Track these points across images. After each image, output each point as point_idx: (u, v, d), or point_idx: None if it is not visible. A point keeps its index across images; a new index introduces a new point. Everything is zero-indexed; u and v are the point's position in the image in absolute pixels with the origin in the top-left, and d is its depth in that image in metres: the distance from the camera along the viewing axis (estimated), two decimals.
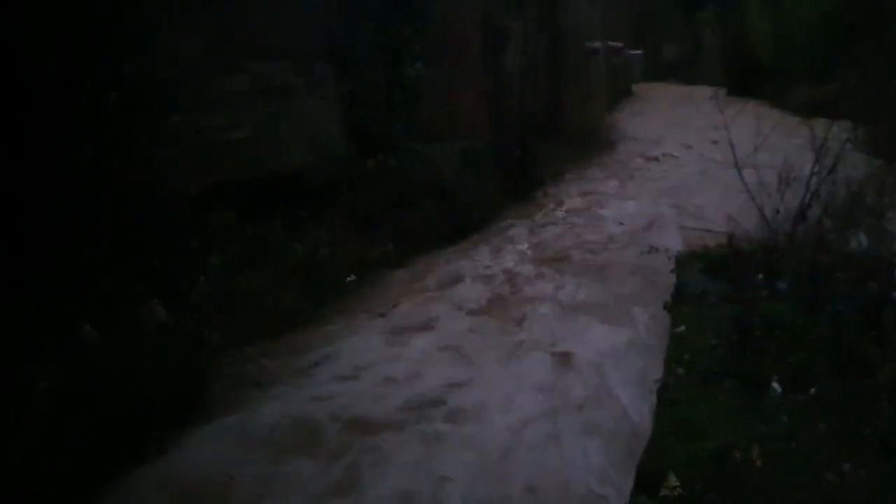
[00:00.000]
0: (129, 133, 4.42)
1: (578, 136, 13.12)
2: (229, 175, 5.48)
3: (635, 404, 3.55)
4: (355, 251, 6.17)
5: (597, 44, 14.95)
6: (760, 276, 4.76)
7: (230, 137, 5.48)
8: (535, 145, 9.67)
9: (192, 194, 5.11)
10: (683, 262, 5.42)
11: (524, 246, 6.65)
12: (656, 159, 11.83)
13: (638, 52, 26.94)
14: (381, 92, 7.40)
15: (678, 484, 2.77)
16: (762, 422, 3.09)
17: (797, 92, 16.58)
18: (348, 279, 5.88)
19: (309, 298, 5.30)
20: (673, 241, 6.32)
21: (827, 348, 3.67)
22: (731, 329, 3.97)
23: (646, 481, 2.92)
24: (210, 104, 5.31)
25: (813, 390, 3.28)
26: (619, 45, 21.04)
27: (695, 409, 3.25)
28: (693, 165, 10.53)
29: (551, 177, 10.27)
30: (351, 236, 6.33)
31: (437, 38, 8.46)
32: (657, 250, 5.74)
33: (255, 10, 5.75)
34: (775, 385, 3.38)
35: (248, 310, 4.83)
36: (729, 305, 4.47)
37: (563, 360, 4.12)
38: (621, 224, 7.29)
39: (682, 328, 4.19)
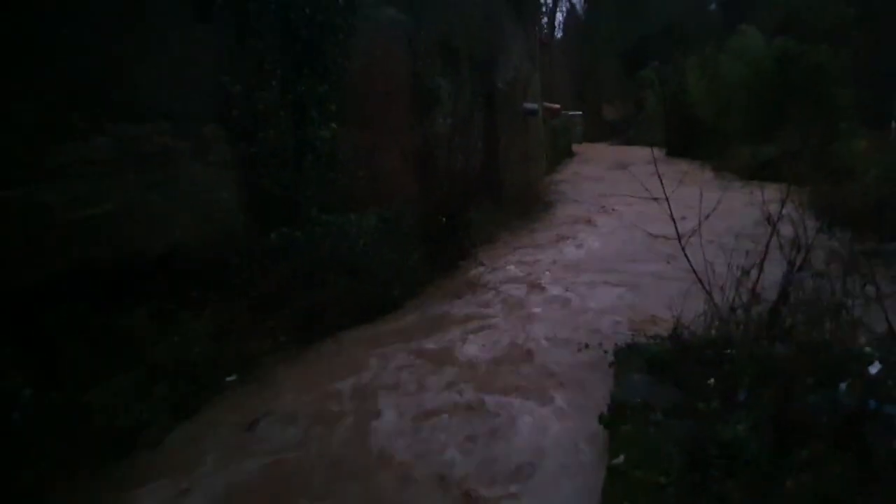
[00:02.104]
0: None
1: (516, 198, 12.57)
2: (82, 259, 4.51)
3: None
4: (242, 343, 5.25)
5: (534, 104, 14.54)
6: (712, 380, 4.00)
7: (84, 214, 4.52)
8: (466, 211, 8.95)
9: (24, 286, 4.12)
10: (623, 358, 4.64)
11: (435, 342, 5.76)
12: (595, 224, 11.26)
13: (578, 112, 27.12)
14: (288, 156, 6.55)
15: None
16: None
17: (737, 153, 16.51)
18: (229, 379, 4.93)
19: (170, 409, 4.32)
20: (610, 328, 5.58)
21: (801, 490, 2.89)
22: (681, 463, 3.16)
23: None
24: (56, 175, 4.35)
25: None
26: (558, 105, 20.91)
27: None
28: (633, 232, 9.93)
29: (484, 244, 9.58)
30: (241, 324, 5.39)
31: (358, 97, 7.71)
32: (589, 345, 4.98)
33: (124, 62, 4.88)
34: None
35: (84, 432, 3.83)
36: (678, 421, 3.67)
37: None
38: (552, 306, 6.52)
39: (621, 459, 3.36)
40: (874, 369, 4.26)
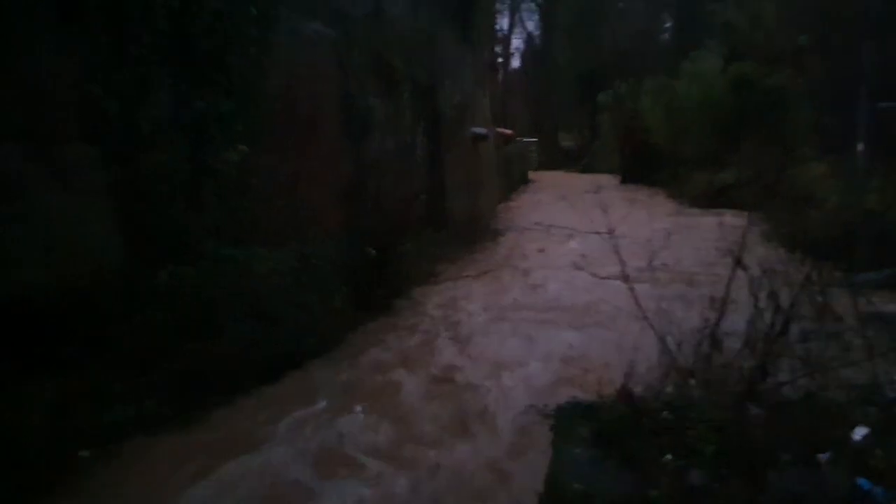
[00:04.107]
0: None
1: (465, 228, 11.82)
2: None
3: None
4: (104, 410, 4.30)
5: (484, 129, 13.86)
6: (669, 457, 3.21)
7: None
8: (402, 243, 8.12)
9: None
10: (563, 425, 3.82)
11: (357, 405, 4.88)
12: (547, 256, 10.54)
13: (534, 139, 26.65)
14: (183, 182, 5.66)
15: None
16: None
17: (692, 180, 16.08)
18: (82, 454, 3.98)
19: None
20: (550, 383, 4.79)
21: None
22: None
23: None
24: None
25: None
26: (511, 131, 20.34)
27: None
28: (585, 264, 9.19)
29: (426, 279, 8.74)
30: (105, 386, 4.44)
31: (277, 118, 6.87)
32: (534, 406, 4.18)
33: None
34: None
35: None
36: None
37: None
38: (493, 358, 5.71)
39: None
40: (859, 434, 3.54)
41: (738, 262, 3.98)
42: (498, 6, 29.24)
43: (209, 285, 5.41)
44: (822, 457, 3.33)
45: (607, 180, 20.19)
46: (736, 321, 4.05)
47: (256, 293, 5.67)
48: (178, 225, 5.51)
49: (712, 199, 14.20)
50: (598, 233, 4.45)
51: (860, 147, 6.80)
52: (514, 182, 20.86)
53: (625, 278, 4.13)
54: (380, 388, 5.20)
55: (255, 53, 6.48)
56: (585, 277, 8.48)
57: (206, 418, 4.65)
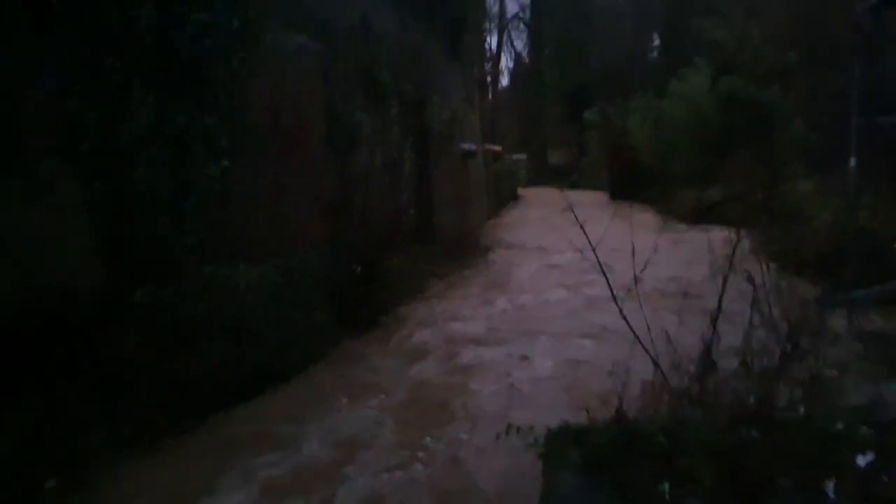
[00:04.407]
0: None
1: (453, 244, 11.70)
2: None
3: None
4: (77, 435, 4.11)
5: (473, 146, 13.78)
6: (666, 485, 3.06)
7: None
8: (388, 259, 7.97)
9: None
10: (553, 450, 3.65)
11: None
12: (536, 272, 10.40)
13: (523, 156, 26.63)
14: (163, 197, 5.49)
15: None
16: None
17: (681, 197, 16.06)
18: (48, 485, 3.79)
19: None
20: (541, 408, 4.64)
21: None
22: None
23: None
24: None
25: None
26: (499, 148, 20.32)
27: None
28: (577, 284, 9.09)
29: (413, 295, 8.59)
30: (78, 410, 4.25)
31: (260, 132, 6.73)
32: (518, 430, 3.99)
33: None
34: None
35: None
36: None
37: None
38: (481, 374, 5.57)
39: None
40: (865, 460, 3.40)
41: (727, 278, 3.87)
42: (486, 25, 29.38)
43: (191, 302, 5.24)
44: (827, 484, 3.20)
45: (596, 197, 20.16)
46: (728, 337, 3.93)
47: (239, 309, 5.51)
48: (159, 241, 5.34)
49: (701, 216, 14.16)
50: (586, 249, 4.31)
51: (852, 163, 6.73)
52: (503, 198, 20.81)
53: (614, 294, 3.99)
54: (361, 400, 5.04)
55: (239, 66, 6.34)
56: (576, 293, 8.46)
57: (178, 443, 4.47)
